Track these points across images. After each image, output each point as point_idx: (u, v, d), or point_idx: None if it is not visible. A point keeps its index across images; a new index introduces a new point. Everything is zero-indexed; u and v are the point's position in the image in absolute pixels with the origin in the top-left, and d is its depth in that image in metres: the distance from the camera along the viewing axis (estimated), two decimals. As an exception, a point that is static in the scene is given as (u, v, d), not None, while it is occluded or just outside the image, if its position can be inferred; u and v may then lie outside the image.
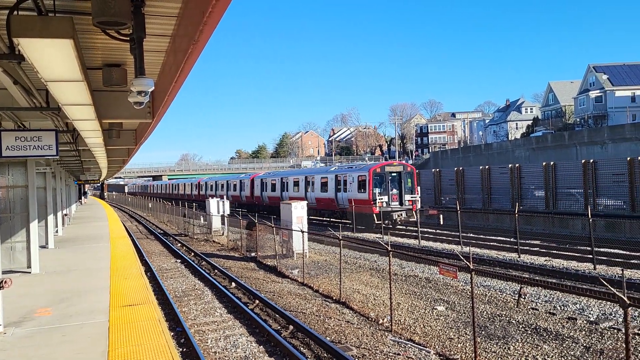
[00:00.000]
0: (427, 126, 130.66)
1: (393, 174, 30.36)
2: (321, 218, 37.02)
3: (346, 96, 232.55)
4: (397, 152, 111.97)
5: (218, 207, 34.14)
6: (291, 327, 11.49)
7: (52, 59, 5.56)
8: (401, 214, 29.53)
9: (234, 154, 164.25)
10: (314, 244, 25.36)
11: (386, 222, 28.83)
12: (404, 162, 32.01)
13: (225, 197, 50.31)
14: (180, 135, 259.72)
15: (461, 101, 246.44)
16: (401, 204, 29.93)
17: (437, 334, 10.99)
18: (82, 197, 72.08)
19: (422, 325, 11.61)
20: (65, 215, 30.39)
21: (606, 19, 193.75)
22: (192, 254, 24.95)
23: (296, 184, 38.93)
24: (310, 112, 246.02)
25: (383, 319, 11.98)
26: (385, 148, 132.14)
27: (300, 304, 13.76)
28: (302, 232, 20.16)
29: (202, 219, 36.98)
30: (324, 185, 34.62)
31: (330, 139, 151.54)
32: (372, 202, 28.82)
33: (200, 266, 20.70)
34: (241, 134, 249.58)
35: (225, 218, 33.08)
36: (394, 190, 30.17)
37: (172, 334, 11.08)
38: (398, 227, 30.21)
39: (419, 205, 30.16)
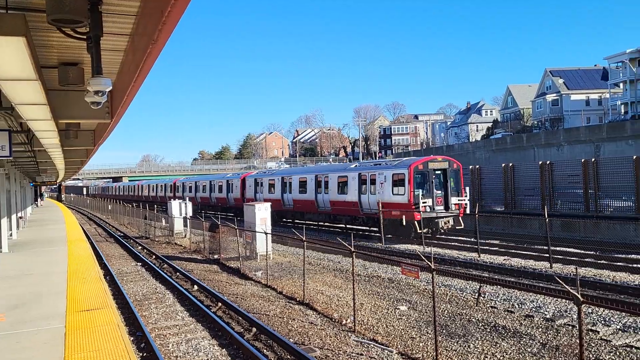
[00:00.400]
0: (391, 128, 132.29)
1: (437, 172, 25.41)
2: (337, 225, 31.41)
3: (310, 98, 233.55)
4: (360, 154, 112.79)
5: (180, 209, 33.64)
6: (254, 329, 11.42)
7: (4, 57, 5.38)
8: (448, 221, 24.75)
9: (197, 155, 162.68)
10: (278, 246, 25.27)
11: (425, 229, 24.30)
12: (448, 157, 27.68)
13: (209, 199, 49.21)
14: (141, 136, 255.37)
15: (424, 103, 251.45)
16: (447, 208, 25.11)
17: (400, 333, 11.11)
18: (38, 199, 69.97)
19: (384, 325, 11.71)
20: (20, 218, 29.45)
21: (563, 24, 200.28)
22: (154, 256, 24.52)
23: (302, 184, 32.80)
24: (275, 113, 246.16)
25: (346, 320, 12.04)
26: (349, 149, 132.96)
27: (264, 305, 13.70)
28: (266, 233, 20.10)
29: (163, 221, 36.38)
30: (343, 186, 29.06)
31: (294, 140, 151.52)
32: (413, 207, 23.98)
33: (161, 269, 20.36)
34: (204, 135, 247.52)
35: (188, 220, 32.62)
36: (439, 192, 25.33)
37: (132, 338, 10.86)
38: (438, 235, 25.60)
39: (467, 210, 25.41)
